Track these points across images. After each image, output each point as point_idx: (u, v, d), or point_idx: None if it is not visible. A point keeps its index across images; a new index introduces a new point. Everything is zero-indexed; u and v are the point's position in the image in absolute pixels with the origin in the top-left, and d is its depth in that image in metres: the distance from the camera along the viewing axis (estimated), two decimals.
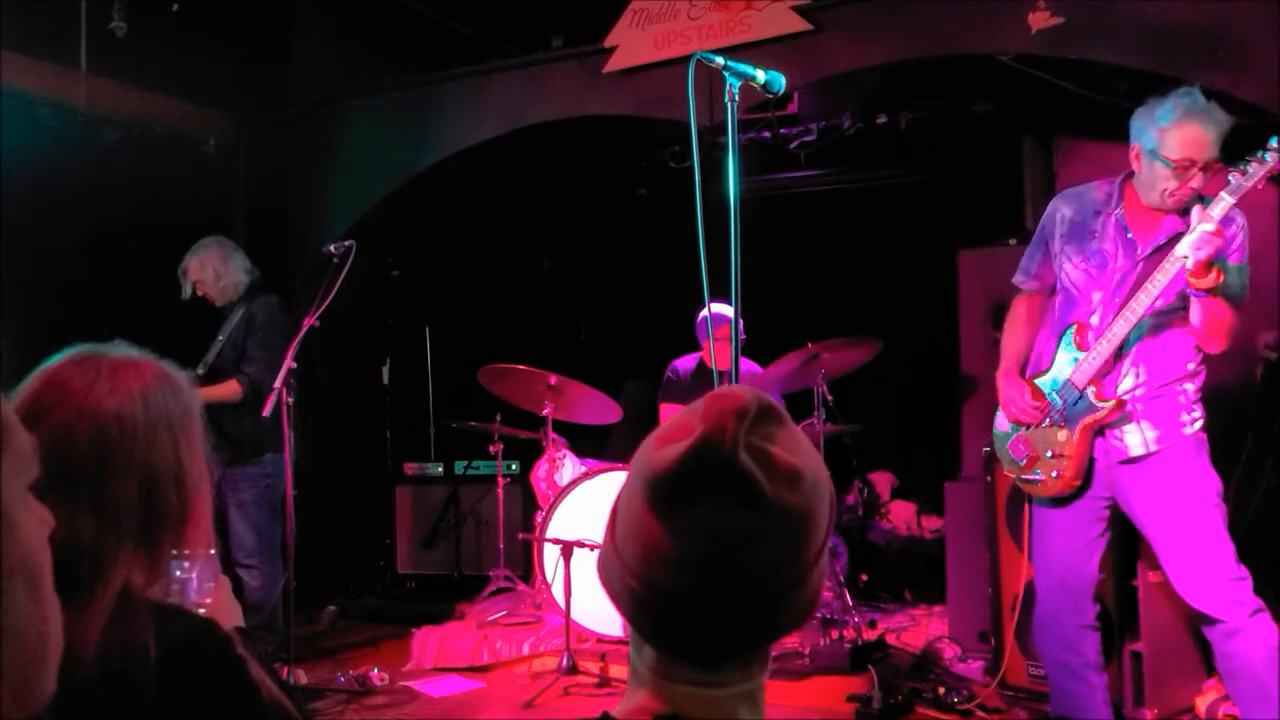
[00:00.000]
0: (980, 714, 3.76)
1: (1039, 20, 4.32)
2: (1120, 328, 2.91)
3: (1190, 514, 2.93)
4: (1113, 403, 2.95)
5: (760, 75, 2.38)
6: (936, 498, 5.16)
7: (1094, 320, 3.03)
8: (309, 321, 4.21)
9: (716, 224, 2.26)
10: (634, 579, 0.98)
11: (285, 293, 4.91)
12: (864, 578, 5.63)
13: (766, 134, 5.77)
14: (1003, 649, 4.01)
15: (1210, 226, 2.67)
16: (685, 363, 5.50)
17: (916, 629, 5.07)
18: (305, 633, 4.99)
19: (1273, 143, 2.70)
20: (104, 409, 1.27)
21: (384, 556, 6.38)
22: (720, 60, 2.34)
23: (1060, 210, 3.16)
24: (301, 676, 4.38)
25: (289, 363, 4.14)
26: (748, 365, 5.17)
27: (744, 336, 4.86)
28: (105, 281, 4.94)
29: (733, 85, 2.34)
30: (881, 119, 5.70)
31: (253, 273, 4.78)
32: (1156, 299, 2.86)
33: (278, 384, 4.12)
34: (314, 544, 4.77)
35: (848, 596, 4.83)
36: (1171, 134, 2.80)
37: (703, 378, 5.28)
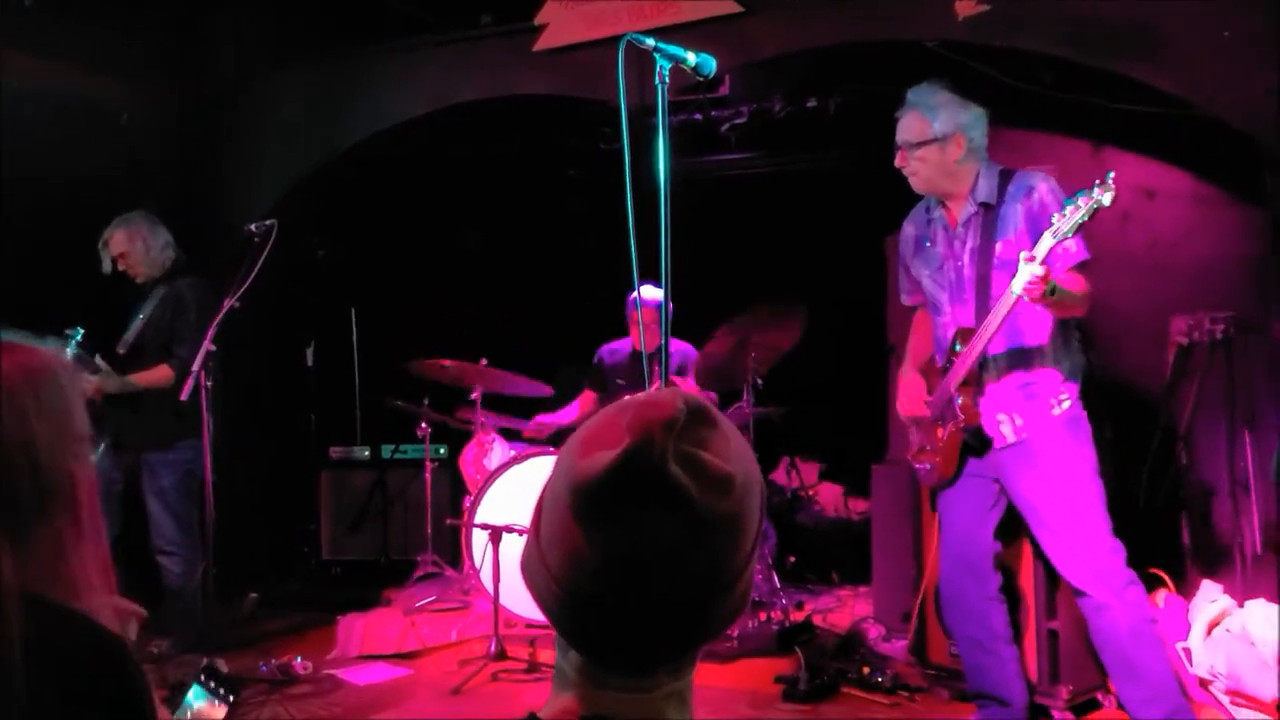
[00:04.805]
0: (903, 694, 3.83)
1: (966, 8, 4.36)
2: (976, 344, 2.98)
3: (1062, 490, 3.01)
4: (970, 413, 3.03)
5: (691, 58, 2.36)
6: (864, 480, 5.22)
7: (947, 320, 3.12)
8: (229, 303, 4.12)
9: (648, 207, 2.24)
10: (558, 585, 0.95)
11: (204, 273, 4.77)
12: (791, 559, 5.69)
13: (698, 116, 5.76)
14: (925, 629, 4.09)
15: (1038, 270, 2.70)
16: (617, 346, 5.47)
17: (843, 610, 5.14)
18: (226, 621, 4.87)
19: (1108, 180, 2.64)
20: None
21: (308, 542, 6.25)
22: (651, 42, 2.32)
23: (905, 230, 3.35)
24: (222, 666, 4.28)
25: (208, 345, 4.06)
26: (680, 346, 5.16)
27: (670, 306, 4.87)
28: (11, 260, 4.74)
29: (663, 67, 2.32)
30: (811, 103, 5.72)
31: (177, 249, 4.67)
32: (1002, 322, 2.90)
33: (196, 367, 4.03)
34: (236, 529, 4.65)
35: (775, 579, 4.88)
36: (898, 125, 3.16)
37: (636, 363, 5.25)
